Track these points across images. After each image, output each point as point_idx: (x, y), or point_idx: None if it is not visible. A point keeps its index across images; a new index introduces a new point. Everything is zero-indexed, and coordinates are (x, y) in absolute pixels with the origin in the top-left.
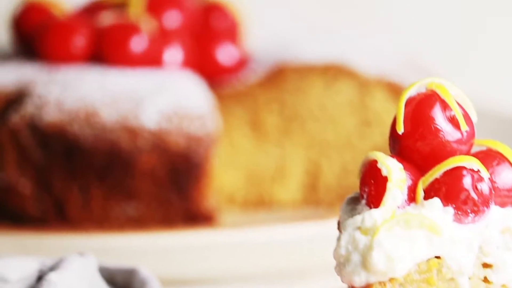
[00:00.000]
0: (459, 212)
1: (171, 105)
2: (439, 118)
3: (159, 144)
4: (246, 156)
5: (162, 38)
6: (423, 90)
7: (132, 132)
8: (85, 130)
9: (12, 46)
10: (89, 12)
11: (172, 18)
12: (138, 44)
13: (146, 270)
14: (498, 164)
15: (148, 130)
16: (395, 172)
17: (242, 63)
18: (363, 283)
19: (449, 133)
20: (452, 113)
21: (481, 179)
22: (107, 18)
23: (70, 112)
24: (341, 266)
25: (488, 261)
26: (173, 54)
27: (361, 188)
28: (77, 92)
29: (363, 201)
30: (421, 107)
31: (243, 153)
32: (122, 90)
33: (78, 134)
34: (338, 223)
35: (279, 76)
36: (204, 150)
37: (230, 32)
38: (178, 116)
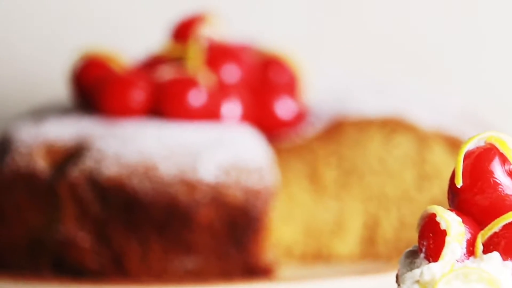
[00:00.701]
0: None
1: (229, 159)
2: (498, 172)
3: (217, 198)
4: (304, 210)
5: (220, 92)
6: (482, 144)
7: (191, 185)
8: (144, 184)
9: (72, 100)
10: (148, 66)
11: (231, 72)
12: (196, 98)
13: None
14: None
15: (206, 184)
16: (454, 225)
17: (300, 117)
18: None
19: (508, 186)
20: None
21: None
22: (165, 72)
23: (129, 166)
24: None
25: None
26: (232, 108)
27: (419, 242)
28: (136, 146)
29: (422, 255)
30: (480, 161)
31: (301, 206)
32: (180, 144)
33: (137, 188)
34: (397, 277)
35: (338, 129)
36: (262, 203)
37: (289, 86)
38: (236, 170)
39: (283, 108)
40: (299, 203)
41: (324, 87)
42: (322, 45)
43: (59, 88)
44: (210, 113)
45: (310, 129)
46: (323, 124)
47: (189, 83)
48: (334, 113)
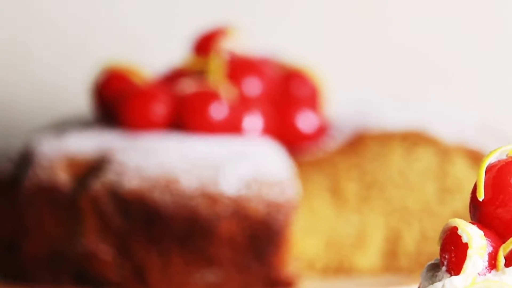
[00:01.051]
0: None
1: (251, 172)
2: None
3: (239, 211)
4: (325, 223)
5: (242, 105)
6: (504, 157)
7: (212, 198)
8: (165, 197)
9: (93, 113)
10: (169, 79)
11: (252, 85)
12: (218, 111)
13: None
14: None
15: (227, 197)
16: (475, 239)
17: (322, 130)
18: None
19: None
20: None
21: None
22: (187, 86)
23: (150, 179)
24: None
25: None
26: (253, 121)
27: (441, 255)
28: (157, 159)
29: (444, 268)
30: (502, 174)
31: (323, 219)
32: (202, 157)
33: (158, 201)
34: None
35: (359, 143)
36: (283, 216)
37: (310, 99)
38: (258, 183)
39: (305, 121)
40: (320, 216)
41: (345, 100)
42: (344, 59)
43: (81, 101)
44: (231, 126)
45: (332, 143)
46: (344, 138)
47: (211, 96)
48: (355, 127)
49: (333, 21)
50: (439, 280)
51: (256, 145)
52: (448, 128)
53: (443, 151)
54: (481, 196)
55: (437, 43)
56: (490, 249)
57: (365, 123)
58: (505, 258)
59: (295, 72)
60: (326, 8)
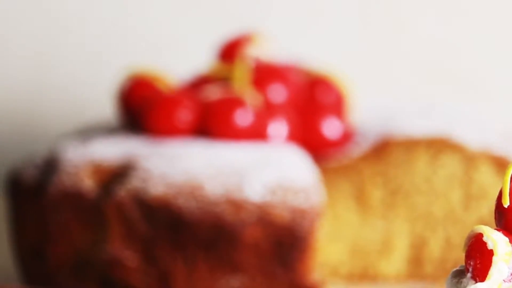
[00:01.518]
0: None
1: (276, 178)
2: None
3: (264, 217)
4: (350, 229)
5: (267, 111)
6: None
7: (237, 205)
8: (190, 203)
9: (119, 120)
10: (194, 86)
11: (277, 92)
12: (243, 117)
13: None
14: None
15: (252, 203)
16: (501, 245)
17: (346, 137)
18: None
19: None
20: None
21: None
22: (212, 92)
23: (175, 186)
24: None
25: None
26: (278, 127)
27: (466, 262)
28: (182, 166)
29: (469, 275)
30: None
31: (348, 226)
32: (226, 164)
33: (183, 207)
34: None
35: (384, 149)
36: (308, 223)
37: (335, 106)
38: (283, 189)
39: (330, 128)
40: (345, 223)
41: (370, 107)
42: (369, 65)
43: (106, 107)
44: (256, 132)
45: (357, 149)
46: (369, 144)
47: (236, 103)
48: (380, 133)
49: (357, 28)
50: (464, 287)
51: (281, 151)
52: (473, 134)
53: (468, 158)
54: (506, 202)
55: (461, 49)
56: None
57: (390, 130)
58: None
59: (320, 79)
60: (351, 15)
